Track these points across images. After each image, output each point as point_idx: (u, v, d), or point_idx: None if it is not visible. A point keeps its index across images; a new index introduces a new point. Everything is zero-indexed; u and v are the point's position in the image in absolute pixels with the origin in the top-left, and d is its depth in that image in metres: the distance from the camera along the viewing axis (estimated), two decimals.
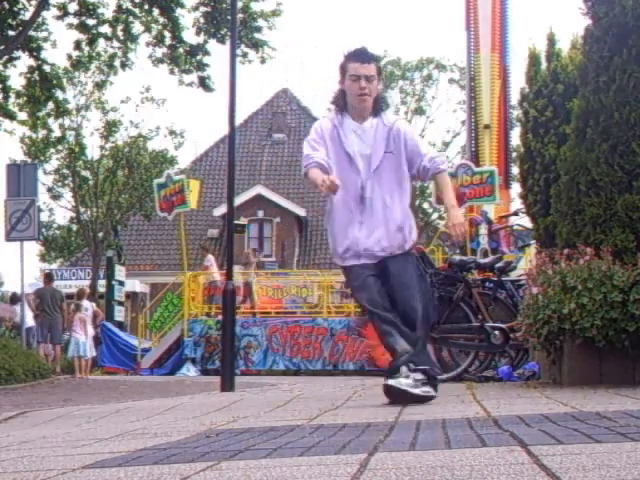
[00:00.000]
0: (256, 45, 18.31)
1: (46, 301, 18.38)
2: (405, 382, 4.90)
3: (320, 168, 5.12)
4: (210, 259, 22.49)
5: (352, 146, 5.15)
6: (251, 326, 20.16)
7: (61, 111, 20.52)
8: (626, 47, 6.18)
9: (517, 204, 18.58)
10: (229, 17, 13.60)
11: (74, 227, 39.41)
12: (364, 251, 5.11)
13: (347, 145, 5.15)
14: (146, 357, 21.12)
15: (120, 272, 28.65)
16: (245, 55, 18.24)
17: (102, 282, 30.21)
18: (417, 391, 4.91)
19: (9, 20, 17.86)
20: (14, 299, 20.84)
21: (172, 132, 34.54)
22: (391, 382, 4.92)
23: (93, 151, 33.58)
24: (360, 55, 5.22)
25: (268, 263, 33.17)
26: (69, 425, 5.10)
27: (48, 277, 20.13)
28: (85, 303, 19.12)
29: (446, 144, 36.52)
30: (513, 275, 8.52)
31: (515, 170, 19.58)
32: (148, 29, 18.77)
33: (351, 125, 5.18)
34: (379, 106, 5.22)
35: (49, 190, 34.30)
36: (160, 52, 18.78)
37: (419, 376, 4.95)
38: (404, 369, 4.94)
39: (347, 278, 5.31)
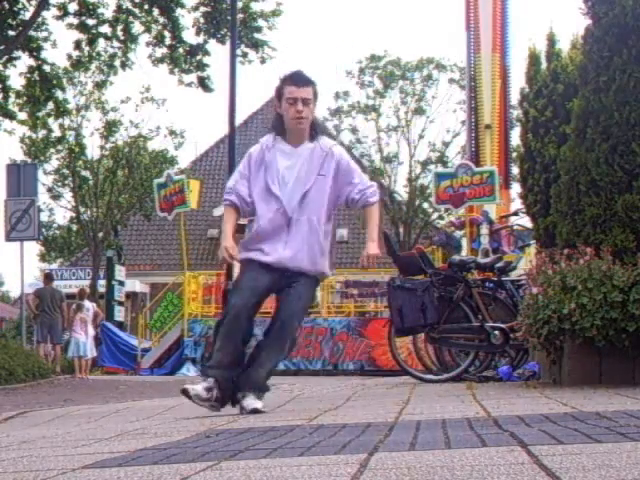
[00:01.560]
0: (256, 45, 18.31)
1: (46, 301, 18.37)
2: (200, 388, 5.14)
3: (234, 208, 5.24)
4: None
5: (279, 170, 5.15)
6: None
7: (61, 111, 20.52)
8: (626, 47, 6.18)
9: (517, 204, 18.59)
10: (229, 17, 13.61)
11: (74, 227, 39.39)
12: (284, 268, 5.12)
13: (273, 169, 5.15)
14: (146, 357, 21.13)
15: (120, 272, 28.66)
16: (245, 55, 18.24)
17: (102, 282, 30.21)
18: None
19: (9, 20, 17.87)
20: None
21: (172, 132, 34.52)
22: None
23: (93, 151, 33.59)
24: (296, 78, 5.18)
25: None
26: (69, 425, 5.10)
27: (48, 277, 20.12)
28: (86, 303, 19.13)
29: (446, 144, 36.43)
30: (513, 275, 8.51)
31: (515, 170, 19.59)
32: (148, 29, 18.78)
33: (284, 148, 5.19)
34: (315, 130, 5.23)
35: (49, 190, 34.29)
36: (160, 52, 18.80)
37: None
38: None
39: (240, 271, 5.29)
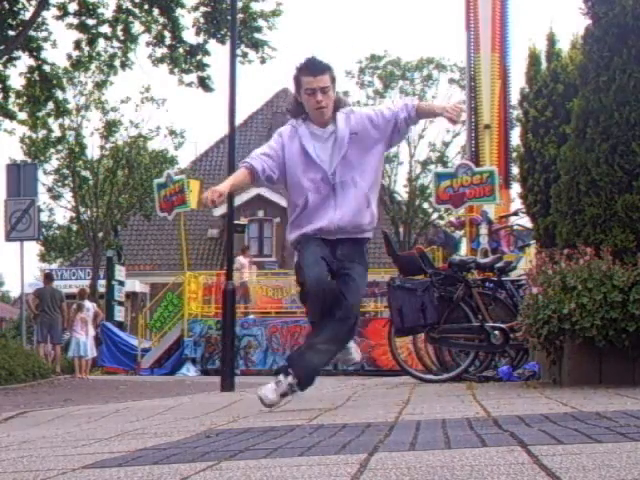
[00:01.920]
0: (256, 45, 18.32)
1: (46, 301, 18.38)
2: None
3: (250, 172, 5.18)
4: (240, 260, 22.61)
5: (312, 143, 5.18)
6: (251, 326, 20.17)
7: (61, 111, 20.53)
8: (626, 47, 6.18)
9: (517, 204, 18.58)
10: (229, 17, 13.60)
11: (74, 227, 39.40)
12: (336, 230, 5.13)
13: (307, 144, 5.17)
14: (146, 357, 21.13)
15: (120, 272, 28.66)
16: (245, 55, 18.25)
17: (102, 282, 30.21)
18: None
19: (9, 20, 17.86)
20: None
21: (172, 132, 34.54)
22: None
23: (93, 151, 33.60)
24: (312, 68, 5.17)
25: (268, 263, 33.18)
26: (69, 425, 5.10)
27: (48, 277, 20.12)
28: (87, 303, 19.14)
29: (446, 144, 36.44)
30: (513, 275, 8.51)
31: (515, 170, 19.57)
32: (148, 29, 18.78)
33: (313, 129, 5.22)
34: (337, 107, 5.24)
35: (49, 190, 34.30)
36: (160, 52, 18.80)
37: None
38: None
39: (301, 248, 5.23)
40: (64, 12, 18.56)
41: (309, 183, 5.15)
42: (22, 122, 20.76)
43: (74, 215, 34.93)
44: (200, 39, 18.51)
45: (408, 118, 5.27)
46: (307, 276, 5.03)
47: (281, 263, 34.45)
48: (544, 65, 8.22)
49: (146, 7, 18.54)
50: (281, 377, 5.01)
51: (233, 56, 10.85)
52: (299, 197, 5.22)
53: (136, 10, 18.67)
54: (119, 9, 18.64)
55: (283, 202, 36.88)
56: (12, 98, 19.19)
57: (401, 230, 34.99)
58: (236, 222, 19.93)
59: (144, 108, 33.94)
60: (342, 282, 5.10)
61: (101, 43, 19.17)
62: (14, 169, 18.37)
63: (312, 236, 5.15)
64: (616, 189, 6.07)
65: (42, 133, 30.21)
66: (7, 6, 17.76)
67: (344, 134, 5.17)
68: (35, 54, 18.81)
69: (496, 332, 7.50)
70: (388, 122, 5.22)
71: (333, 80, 5.25)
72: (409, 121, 5.31)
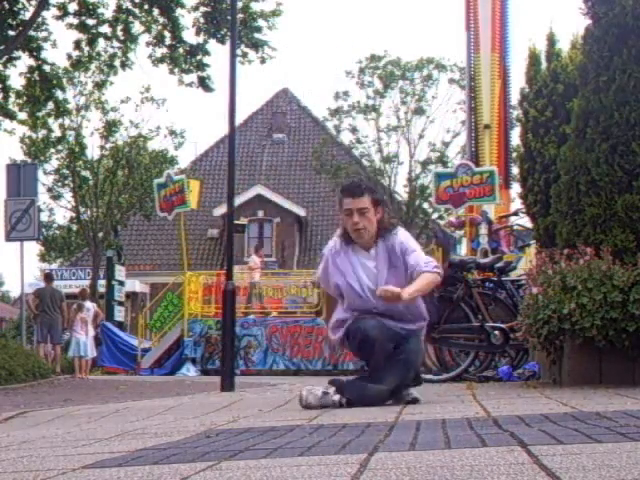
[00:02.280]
0: (256, 45, 18.31)
1: (45, 301, 18.37)
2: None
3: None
4: (254, 259, 22.67)
5: (356, 274, 5.26)
6: (251, 326, 20.16)
7: (61, 111, 20.52)
8: (626, 47, 6.18)
9: (517, 204, 18.57)
10: (229, 17, 13.60)
11: (74, 227, 39.39)
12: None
13: (351, 273, 5.26)
14: (146, 357, 21.12)
15: (120, 272, 28.65)
16: (245, 55, 18.23)
17: (102, 282, 30.20)
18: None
19: (9, 20, 17.85)
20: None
21: (172, 132, 34.53)
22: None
23: (93, 151, 33.59)
24: (351, 189, 5.29)
25: (268, 263, 33.19)
26: (69, 425, 5.10)
27: (48, 277, 20.13)
28: (87, 304, 19.14)
29: (446, 144, 36.40)
30: (513, 275, 8.51)
31: (515, 170, 19.57)
32: (148, 29, 18.76)
33: (358, 254, 5.29)
34: (381, 230, 5.28)
35: (49, 190, 34.29)
36: (160, 52, 18.79)
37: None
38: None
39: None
40: (64, 12, 18.54)
41: (350, 305, 5.26)
42: (22, 122, 20.75)
43: (74, 215, 34.92)
44: (200, 39, 18.50)
45: (411, 275, 5.25)
46: (365, 324, 5.13)
47: (281, 263, 34.46)
48: (544, 65, 8.22)
49: (146, 7, 18.52)
50: (331, 391, 5.12)
51: (233, 56, 10.85)
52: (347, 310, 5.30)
53: (136, 10, 18.66)
54: (119, 9, 18.62)
55: (283, 202, 36.93)
56: (12, 98, 19.19)
57: None
58: (236, 222, 19.94)
59: (144, 108, 33.96)
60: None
61: (101, 43, 19.16)
62: (14, 169, 18.36)
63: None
64: (616, 189, 6.07)
65: (42, 133, 30.20)
66: (7, 6, 17.75)
67: (385, 268, 5.22)
68: (35, 54, 18.80)
69: (496, 332, 7.51)
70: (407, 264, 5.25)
71: (376, 203, 5.26)
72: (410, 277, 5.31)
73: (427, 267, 5.16)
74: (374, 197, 5.27)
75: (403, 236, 5.35)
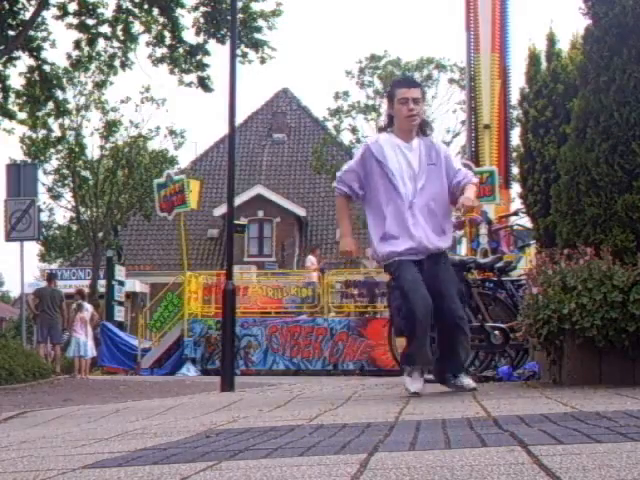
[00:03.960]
0: (256, 45, 18.30)
1: (46, 301, 18.38)
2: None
3: (346, 196, 5.86)
4: (311, 259, 22.70)
5: (396, 163, 5.69)
6: (251, 326, 20.16)
7: (61, 111, 20.52)
8: (626, 47, 6.18)
9: (517, 204, 18.57)
10: (229, 17, 13.60)
11: (74, 227, 39.40)
12: (424, 249, 5.66)
13: (386, 162, 5.69)
14: (146, 357, 21.12)
15: (120, 272, 28.66)
16: (245, 55, 18.23)
17: (102, 282, 30.20)
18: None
19: (9, 20, 17.85)
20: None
21: (172, 132, 34.53)
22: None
23: (93, 151, 33.61)
24: (407, 81, 6.03)
25: (268, 263, 33.19)
26: (69, 425, 5.10)
27: (50, 277, 20.17)
28: (85, 304, 19.15)
29: (446, 144, 36.37)
30: (513, 275, 8.51)
31: (515, 170, 19.57)
32: (148, 29, 18.76)
33: (399, 143, 5.73)
34: (424, 128, 5.82)
35: (49, 190, 34.29)
36: (160, 52, 18.79)
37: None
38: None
39: (391, 268, 5.74)
40: (64, 12, 18.54)
41: (388, 203, 5.67)
42: (22, 122, 20.74)
43: (74, 215, 34.92)
44: (200, 39, 18.50)
45: (455, 189, 5.76)
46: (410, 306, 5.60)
47: (281, 263, 34.46)
48: (544, 65, 8.22)
49: (146, 7, 18.52)
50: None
51: (233, 56, 10.85)
52: (379, 212, 5.70)
53: (136, 10, 18.66)
54: (119, 9, 18.62)
55: (283, 202, 36.93)
56: (12, 98, 19.18)
57: None
58: (236, 222, 19.93)
59: (144, 108, 33.96)
60: (432, 281, 5.66)
61: (101, 43, 19.16)
62: (14, 169, 18.37)
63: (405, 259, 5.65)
64: (616, 189, 6.07)
65: (42, 133, 30.20)
66: (7, 6, 17.74)
67: (424, 162, 5.70)
68: (35, 54, 18.80)
69: (496, 332, 7.50)
70: (449, 174, 5.77)
71: (424, 96, 5.88)
72: (454, 188, 5.77)
73: (474, 179, 5.86)
74: (423, 90, 5.88)
75: (447, 150, 5.95)
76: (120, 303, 28.05)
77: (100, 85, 25.84)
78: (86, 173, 33.65)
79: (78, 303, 18.97)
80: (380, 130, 5.98)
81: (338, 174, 5.94)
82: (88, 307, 19.24)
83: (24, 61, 19.01)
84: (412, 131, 5.73)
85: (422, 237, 5.62)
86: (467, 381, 5.81)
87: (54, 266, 41.90)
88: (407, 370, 5.75)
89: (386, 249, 5.68)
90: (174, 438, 3.67)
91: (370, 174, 5.72)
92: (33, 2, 18.15)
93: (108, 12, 18.75)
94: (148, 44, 18.83)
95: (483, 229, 18.49)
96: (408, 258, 5.62)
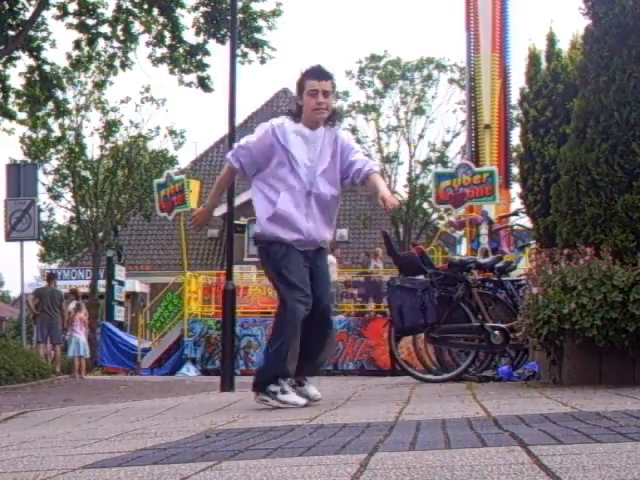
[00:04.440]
0: (256, 45, 18.31)
1: (46, 301, 18.39)
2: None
3: (231, 172, 5.77)
4: (330, 258, 22.69)
5: (298, 150, 5.58)
6: (251, 326, 20.16)
7: (61, 111, 20.52)
8: (626, 47, 6.18)
9: (517, 204, 18.58)
10: (229, 17, 13.60)
11: (74, 227, 39.39)
12: (312, 242, 5.56)
13: (294, 148, 5.58)
14: (146, 357, 21.12)
15: (120, 272, 28.66)
16: (245, 55, 18.23)
17: (102, 282, 30.19)
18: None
19: (9, 20, 17.85)
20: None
21: (172, 132, 34.52)
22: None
23: (93, 151, 33.58)
24: (317, 72, 5.64)
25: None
26: (69, 425, 5.10)
27: (51, 277, 20.18)
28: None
29: (446, 144, 36.38)
30: (513, 275, 8.50)
31: (515, 170, 19.57)
32: (148, 29, 18.76)
33: (303, 131, 5.63)
34: (333, 119, 5.69)
35: (49, 190, 34.27)
36: (160, 52, 18.79)
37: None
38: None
39: (276, 255, 5.56)
40: (64, 12, 18.54)
41: (285, 188, 5.54)
42: (22, 122, 20.75)
43: (74, 215, 34.91)
44: (200, 39, 18.51)
45: (355, 177, 5.62)
46: (290, 301, 5.42)
47: None
48: (544, 65, 8.22)
49: (146, 7, 18.52)
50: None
51: (233, 56, 10.85)
52: (272, 193, 5.56)
53: (136, 10, 18.66)
54: (119, 9, 18.62)
55: None
56: (12, 98, 19.19)
57: (401, 230, 34.96)
58: (236, 222, 19.93)
59: (144, 108, 33.93)
60: (314, 278, 5.56)
61: (101, 43, 19.17)
62: (14, 169, 18.37)
63: (291, 247, 5.53)
64: (616, 189, 6.07)
65: (42, 133, 30.19)
66: (7, 6, 17.75)
67: (327, 151, 5.59)
68: (35, 54, 18.80)
69: (496, 332, 7.50)
70: (345, 163, 5.63)
71: (334, 88, 5.74)
72: (353, 179, 5.65)
73: (376, 167, 5.74)
74: (334, 83, 5.71)
75: (347, 135, 5.85)
76: (120, 303, 28.06)
77: (100, 85, 25.85)
78: (86, 173, 33.64)
79: (77, 303, 18.98)
80: (289, 115, 5.79)
81: (234, 146, 5.86)
82: (83, 307, 19.31)
83: (24, 61, 19.04)
84: (319, 122, 5.63)
85: (311, 229, 5.51)
86: (315, 391, 5.60)
87: (54, 266, 41.90)
88: (279, 385, 5.35)
89: (273, 230, 5.50)
90: (174, 438, 3.67)
91: (269, 156, 5.57)
92: (33, 2, 18.15)
93: (108, 12, 18.77)
94: (148, 44, 18.84)
95: (483, 229, 18.50)
96: (297, 248, 5.51)
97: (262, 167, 5.59)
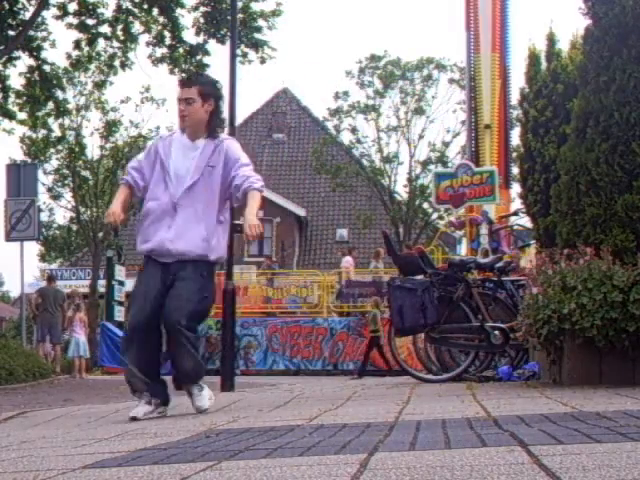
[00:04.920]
0: (256, 45, 18.30)
1: (49, 301, 18.42)
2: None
3: (128, 187, 5.67)
4: (349, 260, 22.76)
5: (173, 160, 5.54)
6: (251, 326, 20.17)
7: (61, 111, 20.51)
8: (626, 47, 6.18)
9: (517, 204, 18.57)
10: (229, 17, 13.60)
11: (74, 227, 39.38)
12: (166, 252, 5.42)
13: (167, 160, 5.54)
14: None
15: (120, 272, 28.64)
16: (245, 55, 18.22)
17: (102, 282, 30.18)
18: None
19: (9, 20, 17.84)
20: None
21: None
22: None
23: (93, 151, 33.58)
24: (182, 80, 5.81)
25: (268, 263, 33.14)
26: (69, 425, 5.10)
27: (50, 278, 20.21)
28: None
29: (446, 144, 36.36)
30: (513, 275, 8.50)
31: (515, 170, 19.57)
32: (148, 29, 18.76)
33: (184, 141, 5.60)
34: (212, 125, 5.58)
35: (49, 190, 34.27)
36: (160, 52, 18.78)
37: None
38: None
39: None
40: (64, 12, 18.53)
41: (155, 196, 5.50)
42: (22, 122, 20.74)
43: (74, 215, 34.90)
44: (200, 39, 18.50)
45: (235, 193, 5.45)
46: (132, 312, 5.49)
47: (281, 263, 34.45)
48: (544, 65, 8.22)
49: (146, 7, 18.52)
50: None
51: (233, 56, 10.85)
52: (145, 206, 5.55)
53: (136, 10, 18.66)
54: (119, 9, 18.62)
55: (283, 202, 36.92)
56: (12, 98, 19.18)
57: (401, 230, 34.97)
58: (236, 222, 19.94)
59: (144, 108, 33.93)
60: (170, 291, 5.38)
61: (101, 43, 19.16)
62: (14, 169, 18.38)
63: (150, 260, 5.47)
64: (616, 189, 6.07)
65: (42, 133, 30.18)
66: (7, 6, 17.74)
67: (202, 163, 5.48)
68: (35, 54, 18.79)
69: (496, 332, 7.50)
70: (228, 177, 5.46)
71: (205, 96, 5.56)
72: (233, 196, 5.50)
73: (257, 184, 5.41)
74: (201, 90, 5.58)
75: (234, 145, 5.63)
76: (120, 303, 28.03)
77: (100, 85, 25.82)
78: (86, 173, 33.63)
79: (77, 303, 19.00)
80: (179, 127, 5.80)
81: (128, 166, 5.84)
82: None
83: (24, 61, 19.02)
84: (196, 131, 5.55)
85: (166, 240, 5.37)
86: (199, 403, 5.40)
87: (54, 266, 41.88)
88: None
89: (138, 241, 5.56)
90: (174, 438, 3.67)
91: (153, 170, 5.57)
92: (33, 2, 18.15)
93: (108, 12, 18.75)
94: (148, 44, 18.82)
95: (484, 229, 18.50)
96: (156, 259, 5.44)
97: (150, 181, 5.58)
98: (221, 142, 5.54)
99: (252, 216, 5.26)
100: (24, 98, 19.29)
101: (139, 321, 5.37)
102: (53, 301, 18.42)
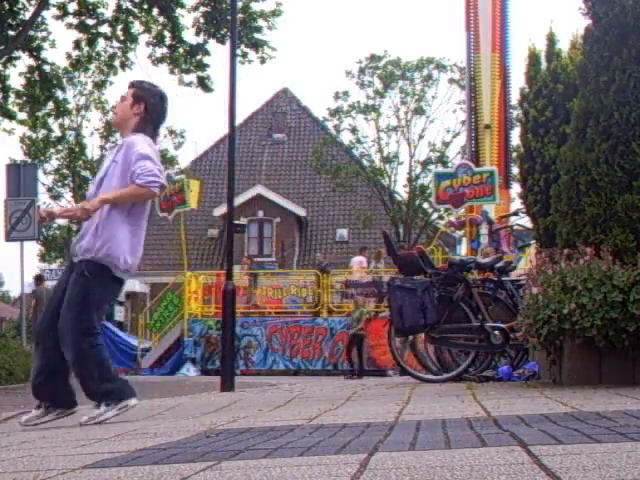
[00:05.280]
0: (256, 45, 18.32)
1: (43, 301, 18.43)
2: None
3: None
4: (359, 260, 22.70)
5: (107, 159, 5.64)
6: (251, 326, 20.17)
7: (61, 111, 20.54)
8: (626, 47, 6.18)
9: (517, 204, 18.59)
10: (229, 17, 13.60)
11: (74, 227, 39.37)
12: (72, 252, 5.39)
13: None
14: (146, 357, 21.13)
15: None
16: (245, 55, 18.24)
17: None
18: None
19: (9, 20, 17.85)
20: None
21: (172, 132, 34.56)
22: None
23: (93, 151, 33.65)
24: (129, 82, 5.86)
25: (268, 263, 33.16)
26: (69, 425, 5.10)
27: (39, 279, 20.23)
28: None
29: (446, 144, 36.38)
30: (513, 275, 8.50)
31: (515, 170, 19.58)
32: (148, 29, 18.77)
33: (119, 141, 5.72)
34: (139, 129, 5.46)
35: (49, 190, 34.34)
36: (160, 52, 18.80)
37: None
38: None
39: None
40: (64, 12, 18.55)
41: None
42: (22, 122, 20.75)
43: None
44: (200, 39, 18.52)
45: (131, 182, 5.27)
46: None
47: (281, 263, 34.45)
48: (544, 65, 8.22)
49: (146, 7, 18.53)
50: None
51: (233, 56, 10.86)
52: None
53: (136, 10, 18.67)
54: (119, 9, 18.63)
55: (283, 202, 36.94)
56: (12, 98, 19.19)
57: (401, 230, 34.99)
58: (236, 222, 19.95)
59: None
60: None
61: (101, 43, 19.18)
62: (14, 169, 18.37)
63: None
64: (616, 189, 6.07)
65: (42, 133, 30.22)
66: (7, 6, 17.75)
67: (108, 160, 5.51)
68: (35, 54, 18.81)
69: (496, 332, 7.50)
70: (128, 172, 5.24)
71: (137, 98, 5.56)
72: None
73: (140, 179, 5.13)
74: (137, 92, 5.62)
75: (138, 139, 5.36)
76: (120, 303, 28.06)
77: (100, 85, 25.84)
78: (86, 173, 33.68)
79: None
80: None
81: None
82: None
83: (24, 61, 19.04)
84: (122, 130, 5.54)
85: (75, 241, 5.37)
86: (85, 418, 5.05)
87: (54, 266, 41.86)
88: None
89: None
90: (174, 438, 3.67)
91: None
92: (33, 2, 18.16)
93: (108, 12, 18.78)
94: (148, 44, 18.85)
95: (484, 229, 18.51)
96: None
97: None
98: (128, 140, 5.37)
99: (89, 201, 5.22)
100: (24, 98, 19.31)
101: (42, 327, 5.37)
102: (47, 301, 18.45)
